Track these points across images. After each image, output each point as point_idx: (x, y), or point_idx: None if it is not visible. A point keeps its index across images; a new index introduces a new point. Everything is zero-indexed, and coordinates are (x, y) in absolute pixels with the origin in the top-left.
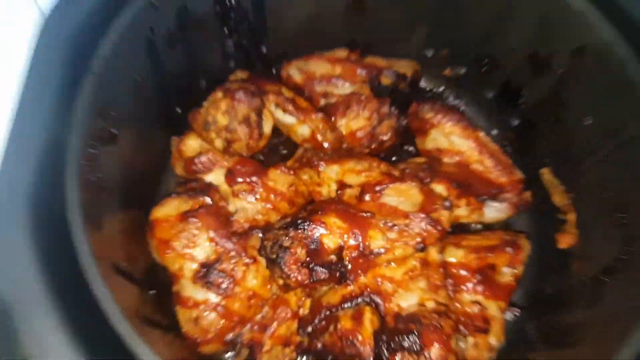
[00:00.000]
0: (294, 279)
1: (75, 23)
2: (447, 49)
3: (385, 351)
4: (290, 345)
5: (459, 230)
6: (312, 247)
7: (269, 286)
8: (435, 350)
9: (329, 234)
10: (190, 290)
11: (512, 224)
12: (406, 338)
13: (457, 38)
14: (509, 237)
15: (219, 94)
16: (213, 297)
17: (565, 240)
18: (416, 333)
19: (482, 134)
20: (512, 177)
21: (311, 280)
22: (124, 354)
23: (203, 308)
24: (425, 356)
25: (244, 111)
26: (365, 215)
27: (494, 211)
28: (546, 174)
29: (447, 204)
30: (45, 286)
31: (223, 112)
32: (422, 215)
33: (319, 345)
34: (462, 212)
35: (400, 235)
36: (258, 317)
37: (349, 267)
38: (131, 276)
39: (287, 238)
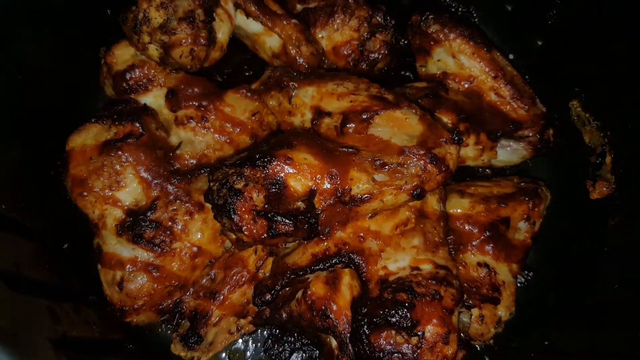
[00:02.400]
0: (246, 232)
1: None
2: None
3: (365, 328)
4: (246, 316)
5: (464, 175)
6: (273, 190)
7: (220, 241)
8: (432, 328)
9: (297, 173)
10: (114, 245)
11: (528, 169)
12: (394, 312)
13: None
14: (526, 185)
15: None
16: (143, 255)
17: (599, 190)
18: (408, 305)
19: (499, 55)
20: (532, 111)
21: (270, 235)
22: None
23: (130, 269)
24: (418, 336)
25: (186, 5)
26: (346, 151)
27: (509, 152)
28: (576, 107)
29: (455, 137)
30: None
31: (157, 6)
32: (422, 151)
33: (284, 315)
34: (470, 152)
35: (392, 177)
36: (205, 280)
37: (323, 217)
38: (17, 224)
39: (240, 178)
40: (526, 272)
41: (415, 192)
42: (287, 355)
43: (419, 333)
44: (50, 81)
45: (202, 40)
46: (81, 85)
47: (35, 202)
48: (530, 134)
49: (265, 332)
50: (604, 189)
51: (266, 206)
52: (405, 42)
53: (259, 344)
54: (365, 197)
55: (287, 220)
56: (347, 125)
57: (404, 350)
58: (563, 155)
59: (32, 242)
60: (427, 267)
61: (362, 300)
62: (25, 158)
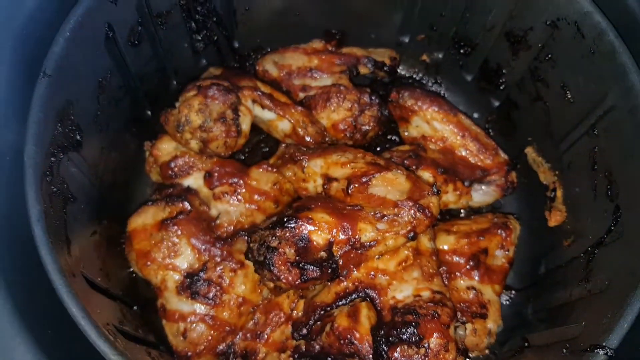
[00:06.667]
0: (284, 280)
1: (24, 18)
2: (423, 33)
3: (384, 346)
4: (286, 351)
5: (448, 216)
6: (301, 245)
7: (259, 291)
8: (434, 340)
9: (317, 230)
10: (176, 303)
11: (501, 207)
12: (405, 330)
13: (432, 22)
14: (498, 220)
15: (191, 92)
16: (200, 308)
17: (554, 218)
18: (414, 324)
19: (463, 117)
20: (496, 159)
21: (302, 280)
22: None
23: (191, 320)
24: (425, 347)
25: (218, 108)
26: (354, 208)
27: (482, 194)
28: (531, 152)
29: (434, 189)
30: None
31: (196, 111)
32: (411, 203)
33: (317, 347)
34: (450, 197)
35: (390, 225)
36: (250, 324)
37: (341, 262)
38: (109, 292)
39: (274, 238)
40: (508, 291)
41: (410, 235)
42: None
43: (425, 345)
44: (101, 176)
45: (233, 134)
46: (128, 174)
47: (110, 271)
48: (497, 178)
49: None
50: (558, 217)
51: (297, 258)
52: (387, 111)
53: None
54: (372, 243)
55: (314, 267)
56: (351, 188)
57: (415, 359)
58: (526, 193)
59: (118, 303)
60: (426, 294)
61: (378, 325)
62: (101, 238)
